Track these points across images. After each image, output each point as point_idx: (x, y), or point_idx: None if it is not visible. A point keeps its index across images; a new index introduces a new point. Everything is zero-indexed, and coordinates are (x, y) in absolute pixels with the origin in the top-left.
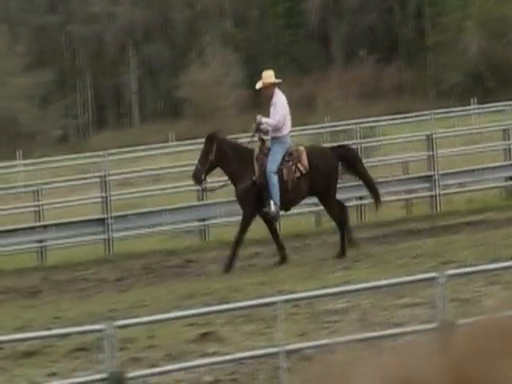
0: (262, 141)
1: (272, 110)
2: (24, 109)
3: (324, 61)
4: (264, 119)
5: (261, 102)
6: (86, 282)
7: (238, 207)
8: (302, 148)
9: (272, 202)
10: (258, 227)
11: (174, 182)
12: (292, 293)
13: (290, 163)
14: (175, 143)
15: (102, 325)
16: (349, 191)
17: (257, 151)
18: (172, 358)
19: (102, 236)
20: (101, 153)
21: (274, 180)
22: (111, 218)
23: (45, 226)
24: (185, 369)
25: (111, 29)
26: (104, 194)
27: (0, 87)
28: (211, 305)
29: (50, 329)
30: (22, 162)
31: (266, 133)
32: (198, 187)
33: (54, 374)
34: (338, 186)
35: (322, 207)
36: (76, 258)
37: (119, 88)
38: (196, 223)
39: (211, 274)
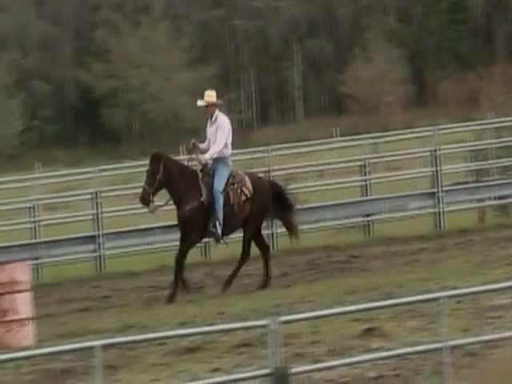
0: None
1: (213, 131)
2: (187, 104)
3: (487, 57)
4: (207, 154)
5: (426, 99)
6: (250, 277)
7: (402, 202)
8: (242, 172)
9: (218, 223)
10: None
11: (337, 177)
12: (456, 288)
13: (235, 186)
14: (339, 138)
15: (266, 320)
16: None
17: (200, 174)
18: (336, 354)
19: (266, 232)
20: (265, 148)
21: (221, 200)
22: None
23: None
24: (348, 364)
25: (275, 23)
26: None
27: (163, 82)
28: (375, 300)
29: (213, 324)
30: (187, 157)
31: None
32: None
33: (217, 370)
34: None
35: (485, 203)
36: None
37: (283, 83)
38: (360, 218)
39: (375, 269)
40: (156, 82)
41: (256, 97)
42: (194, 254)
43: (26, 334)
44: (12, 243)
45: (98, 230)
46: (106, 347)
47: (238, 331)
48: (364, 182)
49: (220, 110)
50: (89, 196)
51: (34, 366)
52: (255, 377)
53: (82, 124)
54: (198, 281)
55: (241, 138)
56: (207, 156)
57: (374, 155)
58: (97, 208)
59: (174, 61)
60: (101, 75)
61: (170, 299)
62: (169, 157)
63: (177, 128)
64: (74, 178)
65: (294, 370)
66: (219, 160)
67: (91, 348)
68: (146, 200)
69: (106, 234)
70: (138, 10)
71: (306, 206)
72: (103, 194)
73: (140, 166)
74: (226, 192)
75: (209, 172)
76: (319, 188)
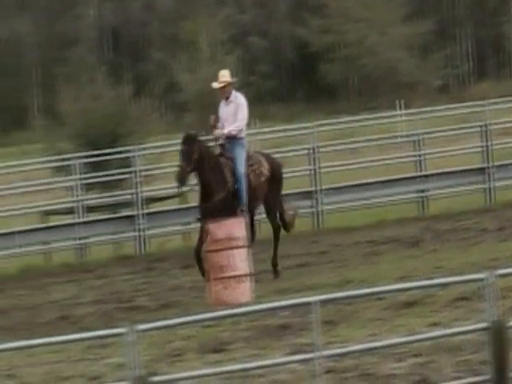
0: (221, 145)
1: (231, 110)
2: (404, 59)
3: None
4: (229, 128)
5: None
6: (467, 231)
7: None
8: (256, 153)
9: (244, 207)
10: None
11: None
12: None
13: (254, 167)
14: None
15: (483, 274)
16: None
17: (222, 158)
18: None
19: (483, 185)
20: (481, 102)
21: (244, 184)
22: (492, 167)
23: (426, 176)
24: None
25: None
26: (485, 144)
27: (380, 37)
28: None
29: (431, 278)
30: (403, 111)
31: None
32: None
33: (434, 324)
34: None
35: None
36: (457, 207)
37: (499, 38)
38: None
39: None
40: (373, 37)
41: (472, 51)
42: (411, 209)
43: (244, 291)
44: (399, 176)
45: (316, 186)
46: (323, 302)
47: (455, 285)
48: None
49: (235, 89)
50: (306, 151)
51: (251, 323)
52: (473, 330)
53: (298, 79)
54: (416, 235)
55: (457, 92)
56: (228, 130)
57: None
58: (314, 163)
59: (390, 15)
60: (317, 30)
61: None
62: (202, 140)
63: (394, 83)
64: (291, 133)
65: (511, 323)
66: (236, 141)
67: (309, 304)
68: (183, 181)
69: (324, 190)
70: None
71: None
72: (320, 150)
73: (356, 122)
74: (246, 174)
75: (229, 155)
76: None
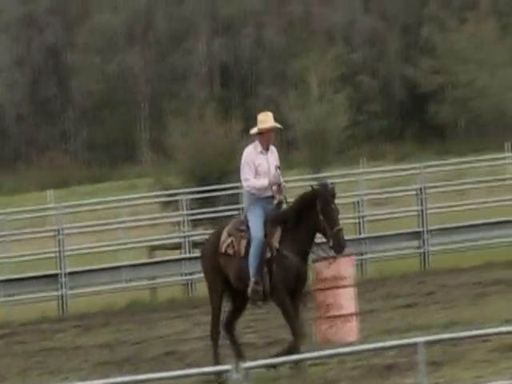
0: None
1: (273, 160)
2: None
3: None
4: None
5: None
6: None
7: None
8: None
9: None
10: None
11: None
12: None
13: None
14: None
15: None
16: None
17: None
18: None
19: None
20: None
21: None
22: None
23: None
24: None
25: None
26: None
27: (491, 79)
28: None
29: None
30: (511, 154)
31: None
32: None
33: None
34: None
35: None
36: None
37: None
38: None
39: None
40: (483, 78)
41: None
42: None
43: (350, 330)
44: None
45: (423, 226)
46: (429, 343)
47: None
48: None
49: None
50: (413, 192)
51: (357, 362)
52: None
53: (407, 119)
54: None
55: None
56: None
57: None
58: (422, 204)
59: (500, 57)
60: (427, 71)
61: None
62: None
63: (503, 124)
64: (400, 173)
65: None
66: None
67: (415, 344)
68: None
69: (431, 231)
70: (465, 6)
71: None
72: (428, 191)
73: (465, 163)
74: None
75: None
76: None
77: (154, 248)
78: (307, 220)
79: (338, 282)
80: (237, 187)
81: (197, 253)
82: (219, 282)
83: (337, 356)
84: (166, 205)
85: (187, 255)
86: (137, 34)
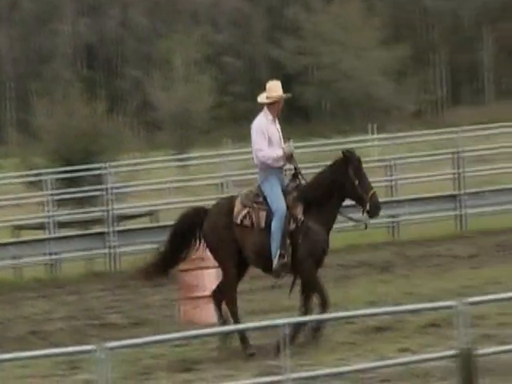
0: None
1: (277, 131)
2: (379, 83)
3: None
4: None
5: None
6: (439, 258)
7: None
8: None
9: None
10: None
11: None
12: None
13: None
14: None
15: (454, 301)
16: None
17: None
18: None
19: (454, 212)
20: (455, 129)
21: None
22: (464, 194)
23: (398, 201)
24: None
25: (467, 5)
26: (457, 171)
27: (356, 61)
28: None
29: (401, 304)
30: (376, 136)
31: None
32: None
33: (404, 350)
34: None
35: None
36: (429, 233)
37: (474, 64)
38: None
39: None
40: (348, 60)
41: (447, 77)
42: (381, 234)
43: (213, 311)
44: None
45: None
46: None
47: (426, 311)
48: None
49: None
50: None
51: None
52: (442, 357)
53: None
54: (387, 260)
55: (432, 117)
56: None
57: None
58: None
59: (366, 39)
60: (292, 52)
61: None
62: None
63: (367, 107)
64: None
65: (480, 352)
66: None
67: (282, 325)
68: None
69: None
70: None
71: (496, 187)
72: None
73: (330, 145)
74: None
75: None
76: (510, 170)
77: (18, 228)
78: (340, 188)
79: (203, 263)
80: (101, 168)
81: (62, 232)
82: (234, 253)
83: (200, 337)
84: (31, 185)
85: (52, 235)
86: (2, 13)
